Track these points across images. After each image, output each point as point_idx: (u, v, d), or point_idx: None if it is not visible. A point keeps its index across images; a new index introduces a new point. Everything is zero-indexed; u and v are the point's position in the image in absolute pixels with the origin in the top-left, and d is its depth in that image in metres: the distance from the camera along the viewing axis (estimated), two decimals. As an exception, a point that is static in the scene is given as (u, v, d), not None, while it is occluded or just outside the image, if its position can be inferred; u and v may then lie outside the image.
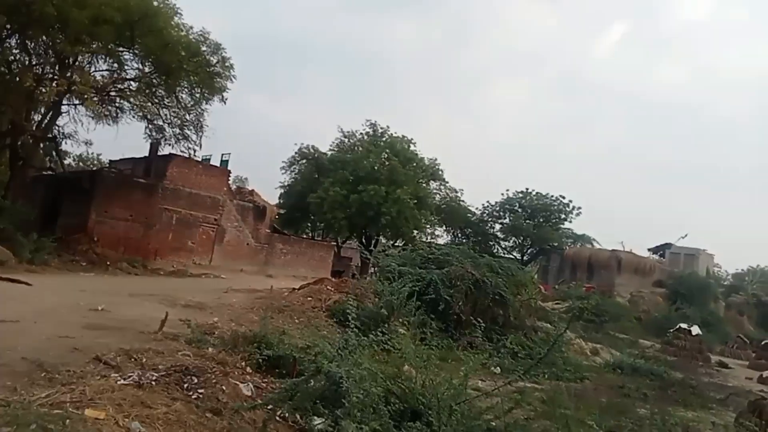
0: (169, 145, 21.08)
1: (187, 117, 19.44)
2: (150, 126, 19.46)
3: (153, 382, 5.52)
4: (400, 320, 13.70)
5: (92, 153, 34.27)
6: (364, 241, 35.83)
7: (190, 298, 12.62)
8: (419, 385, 6.42)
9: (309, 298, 14.47)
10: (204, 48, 17.91)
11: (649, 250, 46.80)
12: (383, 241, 34.89)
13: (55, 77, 14.94)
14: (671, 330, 24.94)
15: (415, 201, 32.25)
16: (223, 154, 28.02)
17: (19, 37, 15.54)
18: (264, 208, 28.92)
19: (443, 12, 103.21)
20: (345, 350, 6.10)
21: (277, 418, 5.92)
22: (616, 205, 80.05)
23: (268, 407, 5.62)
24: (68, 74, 15.19)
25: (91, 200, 21.04)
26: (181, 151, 21.74)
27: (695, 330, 24.12)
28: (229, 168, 27.60)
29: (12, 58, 15.87)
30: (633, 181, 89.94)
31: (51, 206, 22.30)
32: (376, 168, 32.86)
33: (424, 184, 36.08)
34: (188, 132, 19.85)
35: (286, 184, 38.05)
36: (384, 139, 35.18)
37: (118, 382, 5.32)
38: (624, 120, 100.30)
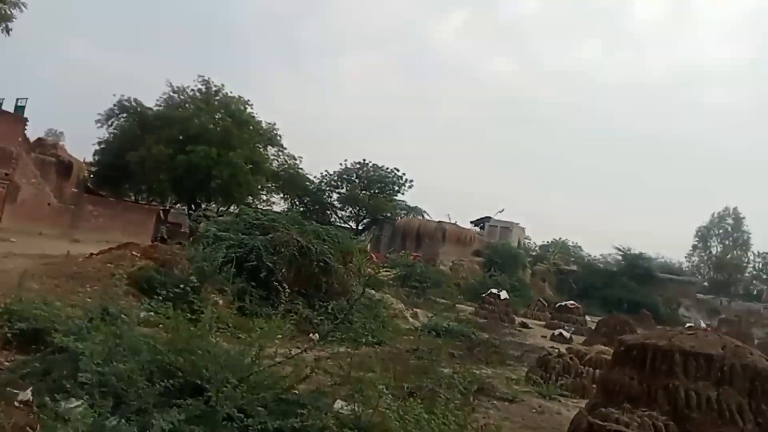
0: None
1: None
2: None
3: None
4: (217, 288, 12.91)
5: None
6: (193, 206, 33.53)
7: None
8: (204, 356, 5.81)
9: (109, 265, 12.91)
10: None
11: (471, 222, 50.74)
12: (213, 206, 33.01)
13: None
14: (484, 294, 27.26)
15: (250, 165, 30.87)
16: (18, 99, 23.97)
17: None
18: (70, 163, 25.49)
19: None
20: (98, 320, 5.22)
21: (16, 403, 4.93)
22: (448, 180, 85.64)
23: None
24: None
25: None
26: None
27: (503, 294, 26.64)
28: (26, 116, 23.67)
29: None
30: (465, 159, 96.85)
31: None
32: (209, 128, 30.72)
33: (260, 149, 34.68)
34: None
35: (102, 140, 33.81)
36: (218, 98, 32.94)
37: None
38: (462, 102, 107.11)
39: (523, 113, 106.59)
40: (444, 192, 77.79)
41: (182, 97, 33.60)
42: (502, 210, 48.54)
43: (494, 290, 27.04)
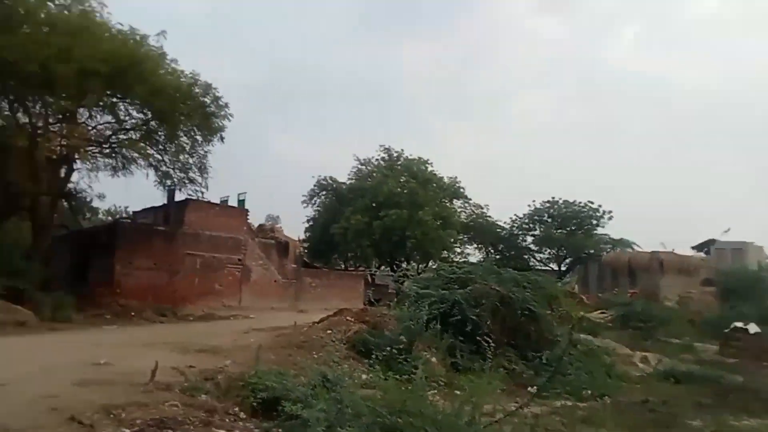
0: (179, 189, 21.26)
1: (190, 160, 19.55)
2: (158, 173, 19.67)
3: (124, 440, 5.10)
4: (427, 346, 13.06)
5: (120, 206, 35.16)
6: (394, 267, 35.34)
7: (206, 343, 12.27)
8: (422, 417, 5.80)
9: (329, 331, 13.96)
10: (196, 90, 18.03)
11: (693, 248, 44.61)
12: (413, 265, 34.28)
13: (50, 134, 15.23)
14: (726, 330, 23.28)
15: (440, 221, 31.70)
16: (239, 194, 28.13)
17: (8, 98, 15.97)
18: (287, 243, 28.78)
19: (455, 36, 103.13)
20: (320, 387, 5.53)
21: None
22: (651, 206, 76.52)
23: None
24: (62, 129, 15.47)
25: (114, 253, 21.22)
26: (188, 195, 21.82)
27: (753, 328, 22.43)
28: (246, 207, 27.59)
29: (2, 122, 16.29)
30: (667, 181, 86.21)
31: (81, 262, 22.62)
32: (396, 192, 32.56)
33: (446, 203, 35.50)
34: (193, 175, 19.95)
35: (310, 218, 38.11)
36: (400, 162, 34.95)
37: (87, 443, 4.91)
38: (650, 119, 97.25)
39: (729, 124, 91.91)
40: (650, 219, 69.67)
41: (369, 167, 36.43)
42: (728, 230, 41.95)
43: (739, 324, 22.93)
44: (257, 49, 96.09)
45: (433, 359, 12.73)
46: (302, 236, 38.38)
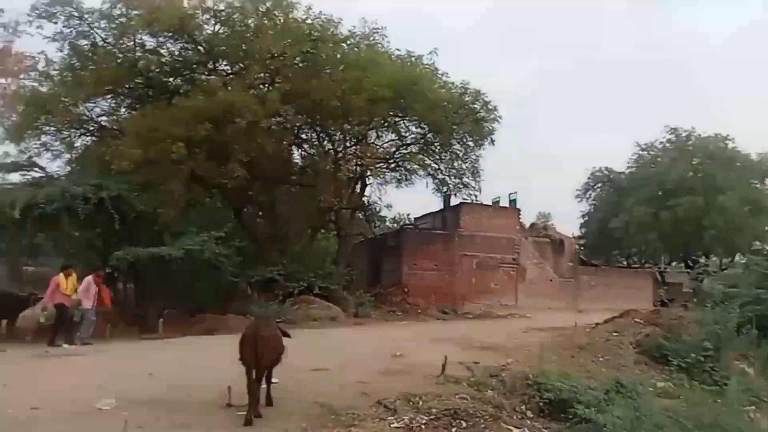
0: (454, 195, 22.49)
1: (464, 166, 20.49)
2: (435, 180, 21.14)
3: (422, 426, 5.59)
4: (741, 354, 11.17)
5: (403, 214, 38.89)
6: (689, 263, 31.02)
7: (487, 340, 12.66)
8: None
9: (614, 334, 13.02)
10: (466, 98, 18.86)
11: None
12: (714, 259, 29.55)
13: (348, 156, 17.74)
14: None
15: (748, 207, 26.64)
16: (510, 194, 28.25)
17: (314, 130, 19.10)
18: (561, 240, 27.80)
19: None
20: (614, 392, 5.12)
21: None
22: None
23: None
24: (357, 151, 17.87)
25: (401, 256, 23.59)
26: (463, 199, 22.82)
27: None
28: (518, 207, 27.56)
29: (313, 150, 19.55)
30: None
31: (375, 265, 25.87)
32: (687, 177, 28.59)
33: (756, 185, 29.61)
34: (466, 180, 20.84)
35: (585, 212, 36.11)
36: (690, 143, 30.47)
37: (392, 425, 5.55)
38: None
39: None
40: None
41: (652, 152, 32.77)
42: None
43: None
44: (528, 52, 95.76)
45: (750, 370, 10.81)
46: (577, 233, 36.67)
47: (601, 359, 10.94)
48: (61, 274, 12.12)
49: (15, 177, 17.43)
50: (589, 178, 35.18)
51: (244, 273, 16.76)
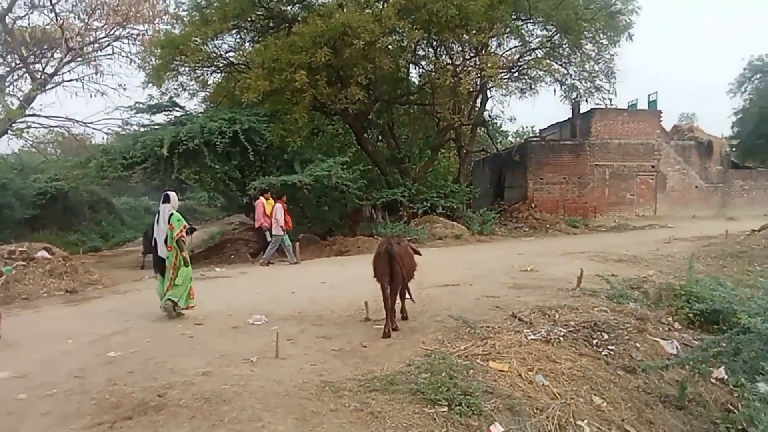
0: (585, 101, 20.64)
1: (596, 67, 18.53)
2: (563, 87, 19.50)
3: (561, 338, 5.49)
4: None
5: (527, 127, 37.10)
6: None
7: (624, 252, 12.00)
8: None
9: (775, 240, 11.63)
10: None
11: None
12: None
13: (468, 68, 16.75)
14: None
15: None
16: (649, 95, 25.57)
17: (431, 45, 18.23)
18: (709, 142, 24.86)
19: None
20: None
21: (712, 380, 4.98)
22: None
23: (690, 366, 4.75)
24: (477, 63, 16.78)
25: (525, 170, 22.73)
26: (596, 104, 20.92)
27: None
28: (659, 108, 24.93)
29: (431, 66, 18.69)
30: None
31: (498, 181, 25.27)
32: None
33: None
34: (600, 83, 18.90)
35: (738, 109, 31.72)
36: None
37: (528, 338, 5.51)
38: None
39: None
40: None
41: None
42: None
43: None
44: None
45: None
46: (728, 134, 32.55)
47: (758, 267, 9.92)
48: (262, 198, 13.43)
49: (160, 118, 19.03)
50: (745, 68, 30.55)
51: (369, 196, 17.20)
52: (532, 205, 21.90)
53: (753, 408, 3.60)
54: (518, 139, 34.85)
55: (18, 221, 21.11)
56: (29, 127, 21.92)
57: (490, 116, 23.12)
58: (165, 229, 7.22)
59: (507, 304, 6.89)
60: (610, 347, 5.30)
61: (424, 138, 22.30)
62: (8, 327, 6.52)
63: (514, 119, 24.67)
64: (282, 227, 12.93)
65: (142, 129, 17.84)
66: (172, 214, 7.23)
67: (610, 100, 19.90)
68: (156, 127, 17.64)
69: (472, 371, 4.49)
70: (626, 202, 23.54)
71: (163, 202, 7.39)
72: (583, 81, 19.10)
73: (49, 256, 10.63)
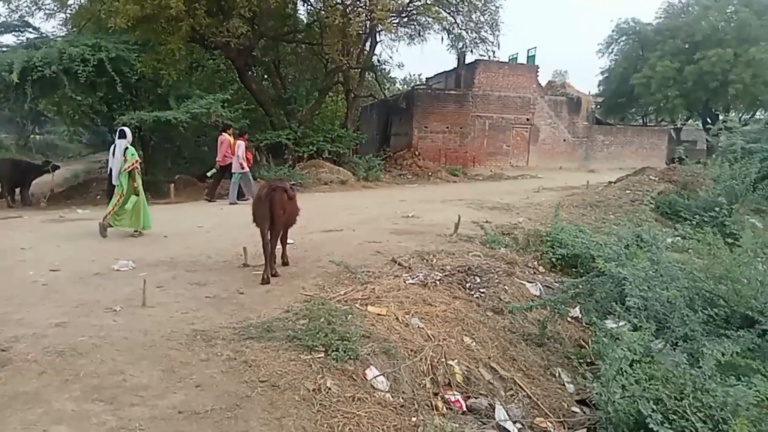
0: (470, 51, 21.09)
1: (482, 18, 18.89)
2: (450, 36, 19.72)
3: (437, 282, 5.68)
4: (752, 210, 11.14)
5: (414, 74, 37.43)
6: (708, 120, 30.17)
7: (498, 200, 12.69)
8: (751, 285, 4.95)
9: (627, 192, 12.96)
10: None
11: None
12: (733, 115, 28.64)
13: (358, 9, 16.26)
14: None
15: (784, 60, 25.08)
16: (528, 50, 26.69)
17: None
18: (578, 99, 26.76)
19: None
20: (634, 247, 5.09)
21: (569, 319, 5.46)
22: None
23: (550, 307, 5.19)
24: (368, 3, 16.31)
25: (411, 118, 23.01)
26: (480, 55, 21.48)
27: None
28: (536, 64, 26.19)
29: (320, 4, 17.85)
30: None
31: (384, 128, 25.37)
32: (719, 27, 26.64)
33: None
34: (485, 34, 19.35)
35: (605, 69, 34.33)
36: (727, -12, 27.97)
37: (406, 282, 5.64)
38: None
39: None
40: None
41: (683, 1, 30.32)
42: None
43: None
44: None
45: (760, 224, 10.84)
46: (594, 90, 35.24)
47: (612, 216, 10.99)
48: (226, 135, 13.16)
49: (9, 39, 16.60)
50: (613, 30, 32.86)
51: (252, 137, 16.49)
52: (416, 153, 22.35)
53: (601, 344, 4.00)
54: (405, 86, 35.12)
55: None
56: None
57: (378, 61, 22.91)
58: (120, 161, 8.26)
59: (388, 250, 7.01)
60: (481, 290, 5.60)
61: (311, 80, 21.62)
62: None
63: (403, 66, 24.78)
64: (241, 164, 12.66)
65: (-15, 50, 15.43)
66: (126, 148, 8.29)
67: (494, 52, 20.52)
68: (4, 49, 15.35)
69: (350, 316, 4.51)
70: (502, 153, 24.80)
71: (119, 138, 8.44)
72: (470, 31, 19.44)
73: None
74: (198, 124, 14.57)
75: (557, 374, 4.72)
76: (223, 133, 13.43)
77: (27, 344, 3.82)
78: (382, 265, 6.29)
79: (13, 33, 16.71)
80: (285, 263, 6.35)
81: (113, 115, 15.05)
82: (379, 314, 4.73)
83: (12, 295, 5.08)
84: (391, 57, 21.62)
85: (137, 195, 8.25)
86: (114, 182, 8.37)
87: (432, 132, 23.17)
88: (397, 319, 4.74)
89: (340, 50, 16.82)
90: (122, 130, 8.54)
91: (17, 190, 14.18)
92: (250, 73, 18.66)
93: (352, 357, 3.86)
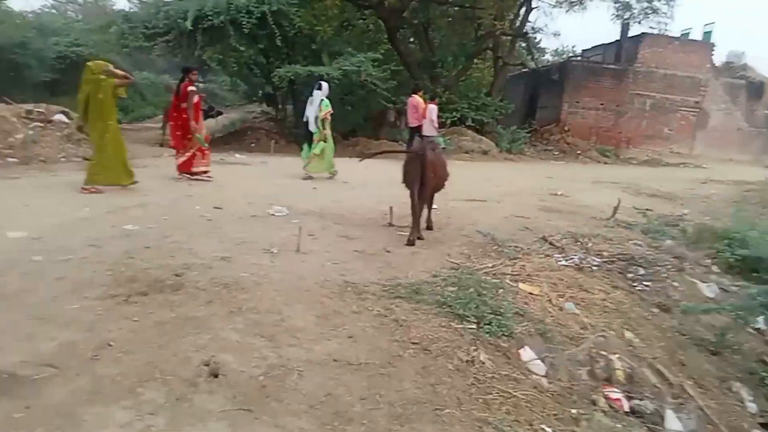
0: (638, 23, 19.06)
1: (657, -16, 16.92)
2: (617, 4, 17.95)
3: (594, 267, 5.22)
4: None
5: (567, 46, 34.98)
6: None
7: (658, 188, 11.52)
8: None
9: (822, 193, 11.09)
10: None
11: None
12: None
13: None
14: None
15: None
16: (705, 25, 23.70)
17: None
18: (761, 84, 23.37)
19: None
20: None
21: (749, 329, 4.75)
22: None
23: (735, 314, 4.51)
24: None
25: (562, 92, 21.63)
26: (650, 28, 19.26)
27: None
28: (712, 41, 23.18)
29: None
30: None
31: (530, 100, 24.14)
32: None
33: None
34: (657, 4, 17.30)
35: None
36: None
37: (559, 263, 5.24)
38: None
39: None
40: None
41: None
42: None
43: None
44: None
45: None
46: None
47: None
48: (417, 96, 12.62)
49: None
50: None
51: (397, 99, 16.47)
52: (565, 129, 21.05)
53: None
54: (556, 58, 33.02)
55: (37, 84, 20.67)
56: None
57: (533, 28, 21.66)
58: (317, 110, 9.17)
59: (537, 227, 6.59)
60: (645, 283, 5.03)
61: (459, 45, 21.02)
62: (23, 185, 6.36)
63: (558, 35, 22.81)
64: (436, 128, 12.50)
65: (165, -1, 16.88)
66: (322, 100, 9.15)
67: (665, 24, 18.41)
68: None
69: (501, 290, 4.25)
70: (662, 137, 22.58)
71: (316, 89, 9.29)
72: (640, 0, 17.53)
73: (67, 120, 10.34)
74: (348, 81, 14.80)
75: (735, 389, 4.11)
76: (414, 96, 12.77)
77: (197, 273, 4.06)
78: (531, 242, 5.91)
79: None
80: (429, 227, 6.22)
81: (270, 68, 15.82)
82: (531, 293, 4.42)
83: (183, 226, 5.48)
84: (546, 25, 20.25)
85: (325, 142, 9.33)
86: (311, 129, 9.30)
87: (584, 108, 21.67)
88: (550, 301, 4.39)
89: (494, 15, 16.04)
90: (320, 83, 9.38)
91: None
92: (398, 34, 18.58)
93: (506, 333, 3.62)
